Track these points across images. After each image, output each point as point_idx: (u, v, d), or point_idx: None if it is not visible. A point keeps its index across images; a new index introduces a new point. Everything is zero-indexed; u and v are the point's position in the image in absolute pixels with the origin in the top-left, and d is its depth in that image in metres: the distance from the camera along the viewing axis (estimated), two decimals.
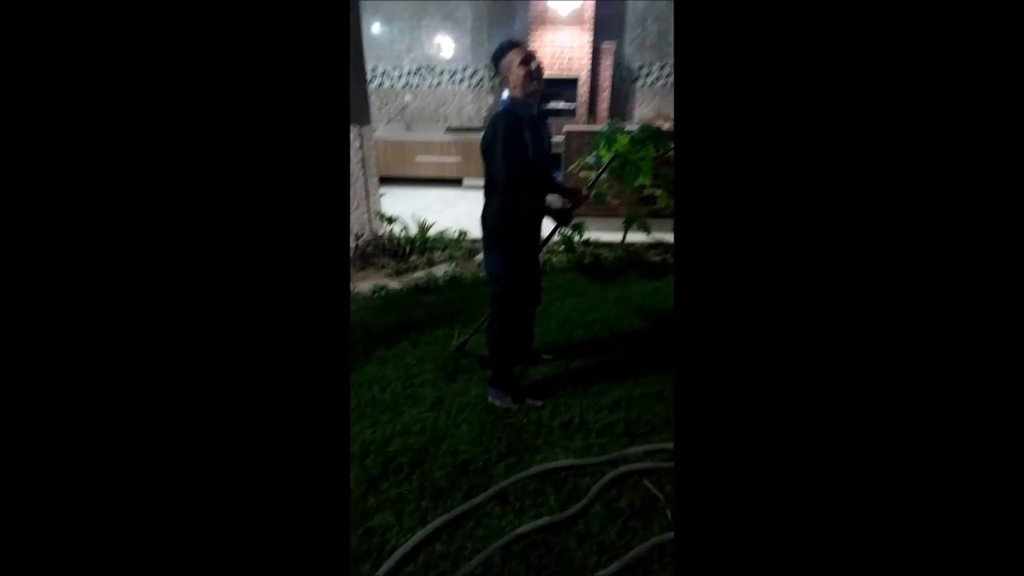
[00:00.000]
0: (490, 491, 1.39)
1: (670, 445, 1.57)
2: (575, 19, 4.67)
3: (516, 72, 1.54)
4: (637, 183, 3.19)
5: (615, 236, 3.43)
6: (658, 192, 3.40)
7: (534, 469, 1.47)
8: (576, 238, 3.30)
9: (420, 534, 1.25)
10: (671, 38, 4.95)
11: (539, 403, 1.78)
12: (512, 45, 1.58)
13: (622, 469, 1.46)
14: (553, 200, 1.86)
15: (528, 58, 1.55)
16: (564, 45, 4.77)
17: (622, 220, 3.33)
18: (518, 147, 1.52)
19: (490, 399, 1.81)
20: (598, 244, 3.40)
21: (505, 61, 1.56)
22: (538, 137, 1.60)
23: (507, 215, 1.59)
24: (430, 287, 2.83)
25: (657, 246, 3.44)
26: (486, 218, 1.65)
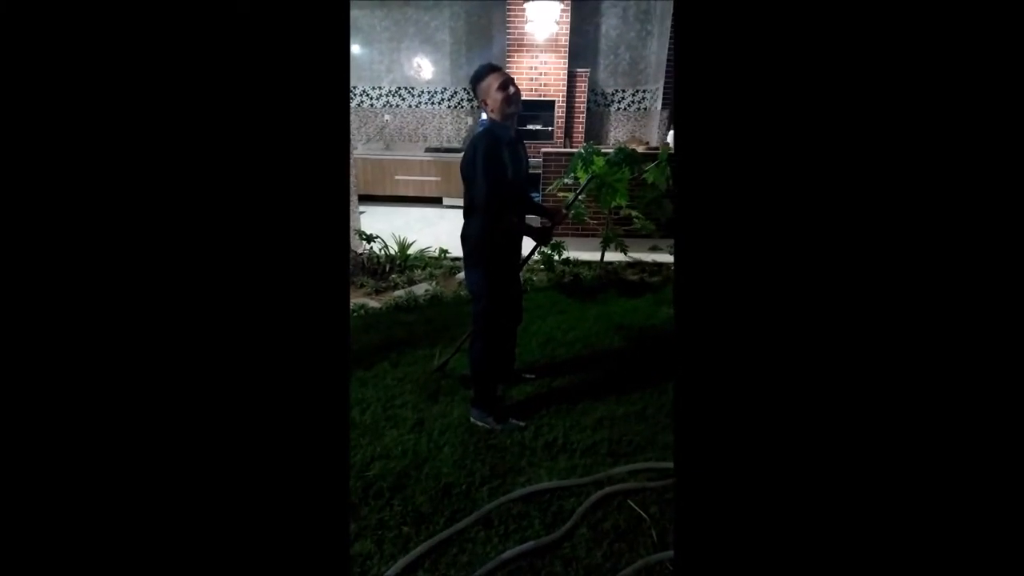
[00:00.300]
0: (473, 516, 1.36)
1: (654, 464, 1.58)
2: (551, 45, 4.82)
3: (495, 95, 1.57)
4: (614, 204, 3.28)
5: (594, 255, 3.49)
6: (634, 213, 3.48)
7: (517, 492, 1.45)
8: (556, 257, 3.34)
9: (402, 562, 1.21)
10: (642, 66, 5.14)
11: (522, 423, 1.78)
12: (491, 69, 1.61)
13: (607, 490, 1.45)
14: (532, 220, 1.91)
15: (507, 82, 1.58)
16: (541, 70, 4.90)
17: (600, 240, 3.39)
18: (497, 168, 1.55)
19: (472, 420, 1.79)
20: (577, 263, 3.45)
21: (484, 84, 1.59)
22: (517, 158, 1.64)
23: (487, 234, 1.62)
24: (410, 306, 2.81)
25: (634, 265, 3.51)
26: (467, 238, 1.68)
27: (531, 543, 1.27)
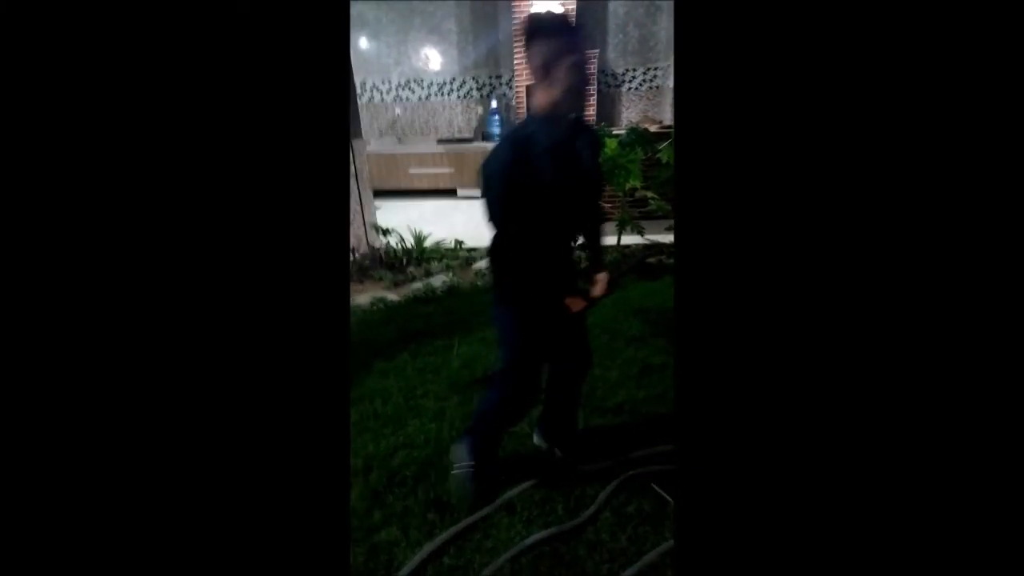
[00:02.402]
0: (497, 502, 1.37)
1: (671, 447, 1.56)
2: None
3: (561, 74, 0.97)
4: (628, 186, 3.23)
5: (611, 239, 3.44)
6: (649, 194, 3.41)
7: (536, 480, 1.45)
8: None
9: (427, 548, 1.23)
10: (652, 43, 5.00)
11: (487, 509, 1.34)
12: (562, 26, 0.98)
13: (630, 473, 1.45)
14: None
15: (583, 60, 0.99)
16: None
17: (615, 223, 3.34)
18: (512, 179, 1.04)
19: (452, 450, 1.43)
20: None
21: (543, 48, 0.96)
22: (567, 166, 1.08)
23: (521, 264, 1.14)
24: (428, 298, 2.82)
25: (652, 247, 3.45)
26: (493, 262, 1.22)
27: (554, 528, 1.27)
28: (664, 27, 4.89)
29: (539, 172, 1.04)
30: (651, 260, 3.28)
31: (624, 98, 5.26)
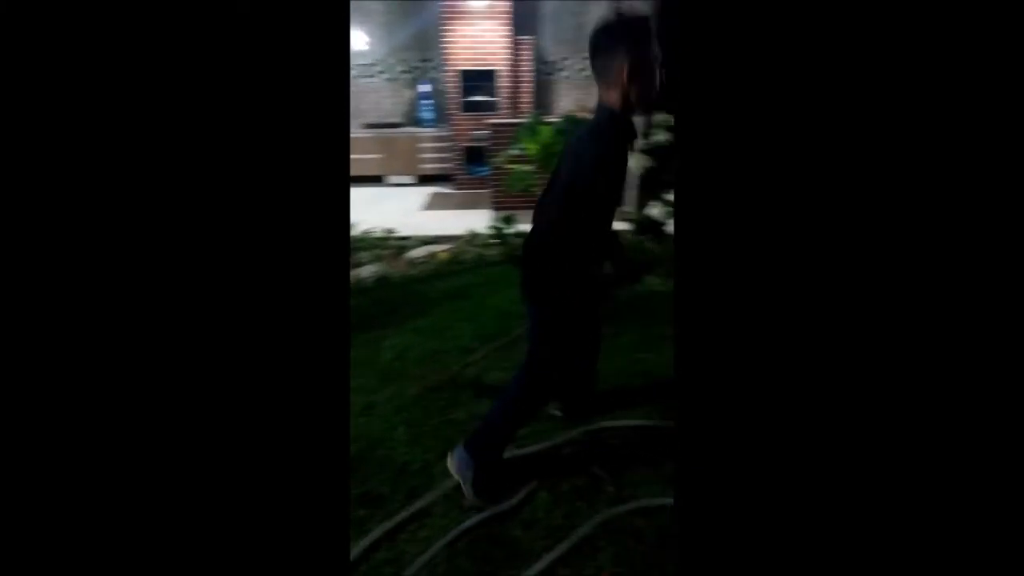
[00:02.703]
0: (432, 493, 1.34)
1: (615, 423, 1.60)
2: (489, 12, 4.66)
3: (643, 77, 1.02)
4: None
5: None
6: None
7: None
8: (508, 231, 3.30)
9: (362, 544, 1.18)
10: (586, 32, 5.08)
11: (505, 505, 1.28)
12: (643, 28, 1.02)
13: (566, 451, 1.46)
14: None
15: (656, 64, 1.03)
16: (480, 39, 4.75)
17: None
18: (616, 174, 1.07)
19: (451, 459, 1.29)
20: None
21: (630, 56, 1.00)
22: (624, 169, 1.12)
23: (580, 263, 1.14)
24: (357, 289, 2.70)
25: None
26: (543, 258, 1.17)
27: (489, 511, 1.26)
28: (597, 16, 4.98)
29: (623, 166, 1.08)
30: None
31: (559, 87, 5.31)
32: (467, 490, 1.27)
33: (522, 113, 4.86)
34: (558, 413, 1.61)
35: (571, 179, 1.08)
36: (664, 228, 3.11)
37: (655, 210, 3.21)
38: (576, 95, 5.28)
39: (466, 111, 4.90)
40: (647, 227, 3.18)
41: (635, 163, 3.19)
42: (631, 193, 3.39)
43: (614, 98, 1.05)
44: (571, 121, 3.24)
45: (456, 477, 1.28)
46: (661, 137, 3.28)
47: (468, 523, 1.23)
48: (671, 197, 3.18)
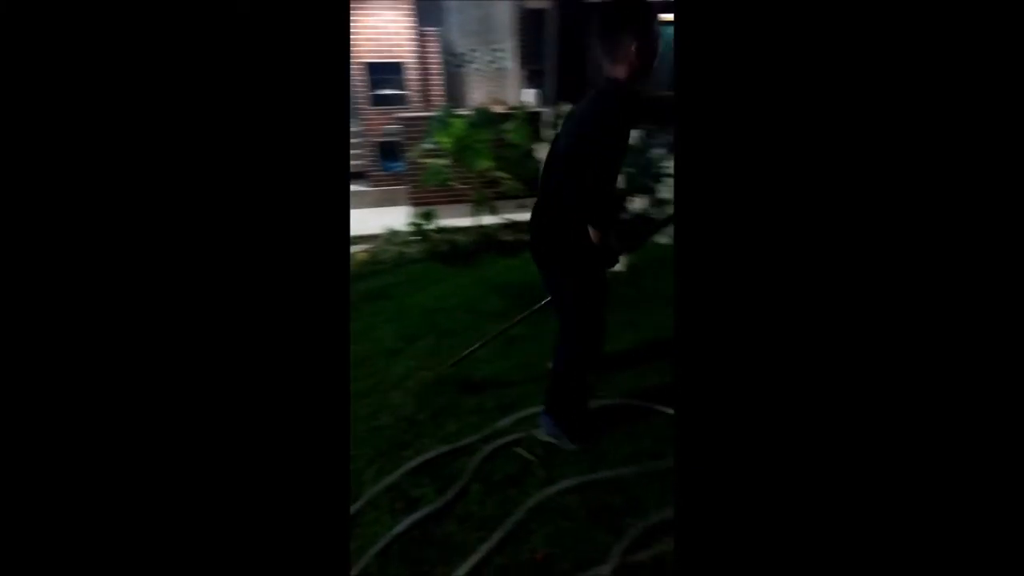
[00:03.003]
0: (360, 501, 1.29)
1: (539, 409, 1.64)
2: (391, 2, 4.52)
3: (645, 54, 1.12)
4: (480, 167, 3.26)
5: (468, 221, 3.45)
6: (502, 174, 3.50)
7: (404, 467, 1.40)
8: (428, 226, 3.24)
9: None
10: (492, 23, 5.09)
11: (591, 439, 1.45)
12: (651, 17, 1.13)
13: (498, 443, 1.47)
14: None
15: (658, 43, 1.14)
16: (384, 30, 4.59)
17: (472, 204, 3.37)
18: (622, 140, 1.14)
19: (541, 430, 1.46)
20: (453, 229, 3.39)
21: (636, 36, 1.11)
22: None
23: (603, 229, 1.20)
24: None
25: (510, 226, 3.56)
26: (563, 226, 1.24)
27: (421, 511, 1.24)
28: (501, 9, 4.99)
29: (628, 132, 1.17)
30: (509, 238, 3.38)
31: (469, 79, 5.28)
32: (564, 444, 1.44)
33: (433, 106, 4.78)
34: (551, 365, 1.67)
35: (581, 144, 1.15)
36: None
37: None
38: (487, 88, 5.27)
39: (375, 105, 4.73)
40: None
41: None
42: None
43: (621, 72, 1.14)
44: (483, 114, 3.24)
45: (550, 440, 1.45)
46: None
47: (399, 527, 1.20)
48: None
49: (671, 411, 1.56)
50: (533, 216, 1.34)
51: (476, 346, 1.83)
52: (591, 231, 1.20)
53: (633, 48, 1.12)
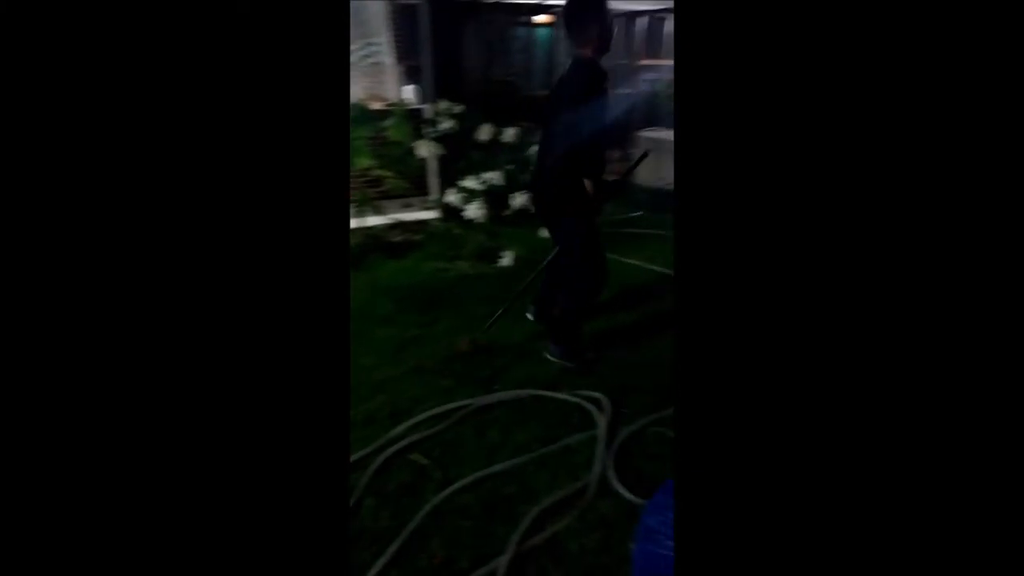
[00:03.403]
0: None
1: (432, 412, 1.62)
2: None
3: (605, 33, 1.64)
4: (359, 166, 3.11)
5: (352, 223, 3.28)
6: (385, 173, 3.38)
7: None
8: None
9: None
10: (364, 16, 4.87)
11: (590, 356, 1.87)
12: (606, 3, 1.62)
13: (389, 451, 1.43)
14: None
15: (612, 23, 1.69)
16: None
17: (354, 205, 3.20)
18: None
19: (554, 357, 1.85)
20: None
21: (599, 19, 1.61)
22: None
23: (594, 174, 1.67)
24: None
25: (397, 226, 3.45)
26: (568, 174, 1.67)
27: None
28: (371, 4, 4.79)
29: (604, 97, 1.61)
30: (397, 239, 3.28)
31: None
32: (568, 365, 1.83)
33: None
34: (530, 317, 2.12)
35: (570, 109, 1.57)
36: (464, 214, 3.23)
37: (452, 197, 3.31)
38: (364, 83, 5.04)
39: None
40: (451, 213, 3.26)
41: (428, 150, 3.22)
42: (433, 180, 3.43)
43: (588, 51, 1.62)
44: (362, 110, 3.09)
45: (562, 363, 1.83)
46: (447, 125, 3.37)
47: None
48: (466, 184, 3.31)
49: (567, 397, 1.65)
50: (535, 181, 1.85)
51: (500, 310, 2.04)
52: (586, 182, 1.64)
53: (595, 32, 1.60)
